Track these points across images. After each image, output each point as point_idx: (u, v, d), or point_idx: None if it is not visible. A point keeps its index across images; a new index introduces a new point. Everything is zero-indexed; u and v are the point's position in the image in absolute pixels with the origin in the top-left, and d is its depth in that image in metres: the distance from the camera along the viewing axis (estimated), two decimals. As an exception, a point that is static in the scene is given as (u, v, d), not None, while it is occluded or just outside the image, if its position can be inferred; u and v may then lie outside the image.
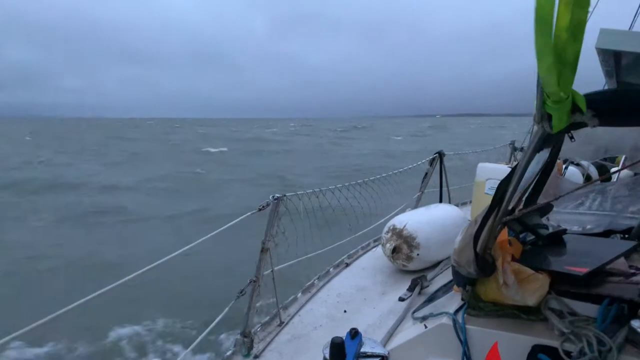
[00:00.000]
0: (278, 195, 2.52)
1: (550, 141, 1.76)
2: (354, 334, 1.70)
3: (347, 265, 3.83)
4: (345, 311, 2.97)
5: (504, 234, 2.12)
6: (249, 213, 2.42)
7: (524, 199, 2.59)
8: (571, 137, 1.97)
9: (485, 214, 1.90)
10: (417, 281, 3.08)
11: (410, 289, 3.07)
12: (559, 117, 1.33)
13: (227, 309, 2.45)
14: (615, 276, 2.16)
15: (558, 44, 1.15)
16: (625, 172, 4.41)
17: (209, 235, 2.25)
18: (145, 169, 26.13)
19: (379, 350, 1.73)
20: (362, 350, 1.70)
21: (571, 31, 1.11)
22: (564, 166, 5.49)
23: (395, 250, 3.56)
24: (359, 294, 3.24)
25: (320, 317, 2.88)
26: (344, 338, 1.62)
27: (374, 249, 4.22)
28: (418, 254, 3.52)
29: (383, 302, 3.04)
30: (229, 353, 2.41)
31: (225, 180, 22.33)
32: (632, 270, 2.23)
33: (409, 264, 3.56)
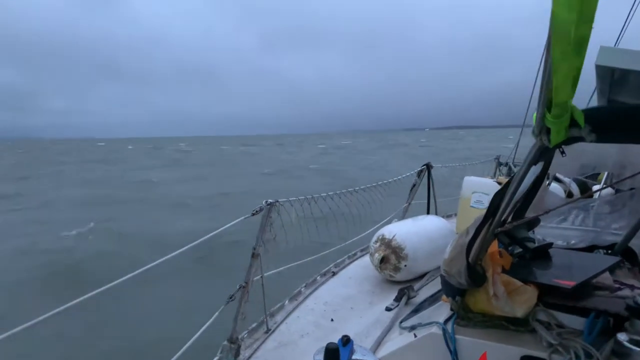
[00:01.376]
0: (271, 200, 2.51)
1: (545, 155, 1.79)
2: (346, 341, 1.70)
3: (334, 274, 3.83)
4: (332, 320, 2.96)
5: (494, 246, 2.15)
6: (241, 217, 2.40)
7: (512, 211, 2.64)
8: (562, 152, 2.02)
9: (479, 224, 1.92)
10: (404, 291, 3.09)
11: (397, 299, 3.08)
12: (557, 131, 1.36)
13: (216, 313, 2.42)
14: (601, 290, 2.20)
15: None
16: (607, 189, 4.51)
17: (200, 241, 2.23)
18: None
19: (370, 358, 1.73)
20: (354, 357, 1.70)
21: (574, 46, 1.14)
22: (547, 182, 5.59)
23: (383, 261, 3.57)
24: (346, 303, 3.23)
25: (307, 325, 2.87)
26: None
27: (360, 259, 4.22)
28: (406, 265, 3.53)
29: (370, 312, 3.04)
30: (215, 359, 2.38)
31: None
32: (617, 285, 2.28)
33: (397, 274, 3.57)
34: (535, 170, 1.83)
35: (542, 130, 1.42)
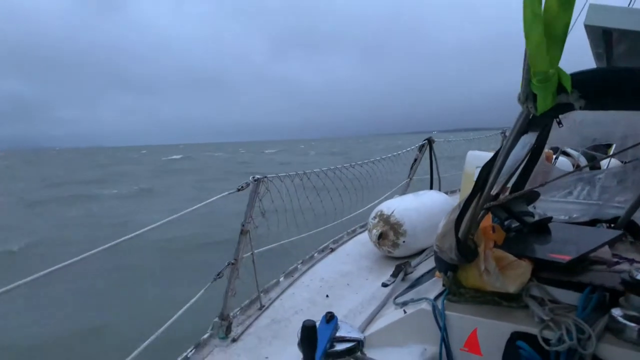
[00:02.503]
0: (258, 176, 2.46)
1: (536, 124, 1.71)
2: (330, 317, 1.66)
3: (332, 250, 3.80)
4: (327, 296, 2.94)
5: (487, 220, 2.09)
6: (225, 193, 2.36)
7: (510, 185, 2.56)
8: (559, 123, 1.92)
9: (467, 198, 1.86)
10: (401, 267, 3.05)
11: (394, 275, 3.05)
12: (544, 96, 1.27)
13: (202, 290, 2.40)
14: (598, 264, 2.14)
15: (547, 17, 1.10)
16: (614, 162, 4.38)
17: (182, 213, 2.19)
18: None
19: (354, 334, 1.69)
20: (338, 334, 1.66)
21: (561, 3, 1.05)
22: (554, 156, 5.47)
23: (381, 237, 3.52)
24: (343, 279, 3.20)
25: (301, 301, 2.85)
26: (318, 322, 1.59)
27: (360, 235, 4.18)
28: (404, 241, 3.48)
29: (366, 288, 3.01)
30: (205, 336, 2.36)
31: None
32: (616, 259, 2.22)
33: (395, 250, 3.53)
34: (527, 140, 1.74)
35: (528, 96, 1.33)
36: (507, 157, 1.66)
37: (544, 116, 1.43)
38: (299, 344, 1.55)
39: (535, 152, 2.41)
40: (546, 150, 5.28)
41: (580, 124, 2.20)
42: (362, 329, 2.14)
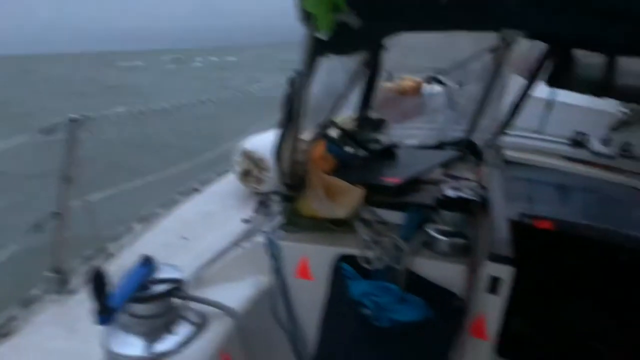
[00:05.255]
0: (75, 116, 2.19)
1: (347, 47, 1.66)
2: (145, 261, 1.58)
3: (197, 190, 3.67)
4: (184, 238, 2.84)
5: (319, 149, 2.09)
6: (26, 136, 2.10)
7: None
8: (382, 47, 1.90)
9: (277, 131, 1.82)
10: (262, 202, 3.03)
11: (256, 210, 3.02)
12: (320, 14, 1.21)
13: (15, 246, 2.16)
14: (428, 185, 2.25)
15: None
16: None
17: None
18: None
19: (174, 275, 1.64)
20: (157, 276, 1.60)
21: None
22: (424, 84, 5.66)
23: (245, 174, 3.46)
24: (205, 220, 3.11)
25: (156, 246, 2.72)
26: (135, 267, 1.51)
27: (228, 174, 4.08)
28: (269, 176, 3.45)
29: (227, 226, 2.96)
30: (35, 291, 2.14)
31: None
32: (443, 178, 2.35)
33: (261, 186, 3.49)
34: (342, 65, 1.70)
35: (309, 16, 1.26)
36: (305, 81, 1.61)
37: (344, 38, 1.37)
38: None
39: (370, 79, 2.42)
40: (420, 79, 5.48)
41: (410, 50, 2.21)
42: (202, 268, 2.10)
